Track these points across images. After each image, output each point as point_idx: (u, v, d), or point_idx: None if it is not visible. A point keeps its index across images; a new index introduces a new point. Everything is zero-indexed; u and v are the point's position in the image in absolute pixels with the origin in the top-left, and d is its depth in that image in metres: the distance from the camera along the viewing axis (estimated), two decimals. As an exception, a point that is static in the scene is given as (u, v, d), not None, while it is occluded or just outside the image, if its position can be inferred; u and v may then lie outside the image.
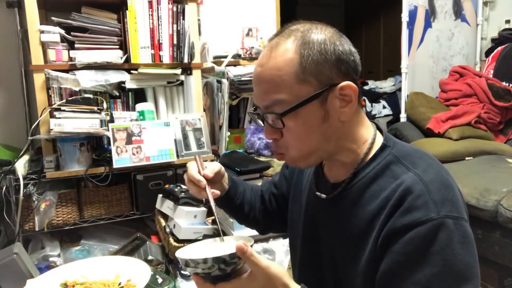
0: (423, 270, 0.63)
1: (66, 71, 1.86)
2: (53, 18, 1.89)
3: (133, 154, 1.83)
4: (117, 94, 2.00)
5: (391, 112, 3.76)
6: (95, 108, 1.79)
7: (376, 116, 3.75)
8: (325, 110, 0.70)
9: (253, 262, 0.65)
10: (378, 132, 0.79)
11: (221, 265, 0.65)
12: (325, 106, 0.70)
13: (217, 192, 0.84)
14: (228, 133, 2.26)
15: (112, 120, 1.91)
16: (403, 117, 2.97)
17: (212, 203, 0.82)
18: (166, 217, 1.81)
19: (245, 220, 1.04)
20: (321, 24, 0.73)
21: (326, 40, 0.70)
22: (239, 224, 1.06)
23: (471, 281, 0.63)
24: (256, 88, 0.74)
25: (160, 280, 1.56)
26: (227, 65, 2.33)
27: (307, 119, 0.70)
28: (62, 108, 1.74)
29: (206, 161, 0.89)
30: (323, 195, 0.81)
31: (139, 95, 2.05)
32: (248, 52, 2.50)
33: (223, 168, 0.91)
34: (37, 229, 1.76)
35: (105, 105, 1.94)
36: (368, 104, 3.80)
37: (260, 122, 0.76)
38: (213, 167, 0.88)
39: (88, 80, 1.82)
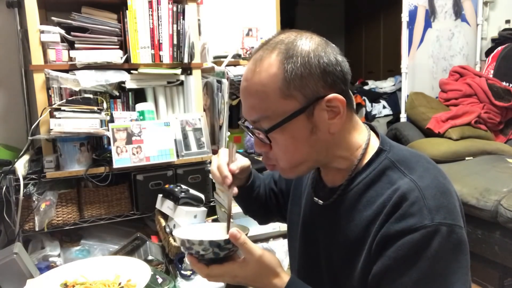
0: (410, 274, 0.63)
1: (66, 71, 1.86)
2: (53, 18, 1.89)
3: (133, 154, 1.83)
4: (117, 94, 2.00)
5: (391, 112, 3.76)
6: (95, 108, 1.79)
7: (376, 116, 3.75)
8: (312, 123, 0.69)
9: (246, 249, 0.69)
10: (374, 134, 0.78)
11: (215, 249, 0.69)
12: (312, 119, 0.69)
13: (236, 191, 0.84)
14: (228, 133, 2.26)
15: (112, 120, 1.91)
16: (403, 117, 2.97)
17: (230, 199, 0.83)
18: (166, 217, 1.81)
19: (251, 212, 1.05)
20: (306, 34, 0.72)
21: (310, 52, 0.68)
22: (242, 215, 1.08)
23: None
24: (243, 103, 0.74)
25: (160, 280, 1.56)
26: (227, 65, 2.33)
27: (294, 133, 0.70)
28: (62, 108, 1.74)
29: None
30: (320, 201, 0.81)
31: (139, 95, 2.05)
32: (248, 52, 2.50)
33: (250, 166, 0.91)
34: (37, 229, 1.76)
35: (105, 105, 1.94)
36: (368, 104, 3.80)
37: (250, 134, 0.76)
38: (242, 163, 0.87)
39: (88, 80, 1.82)
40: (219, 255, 0.70)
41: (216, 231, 0.80)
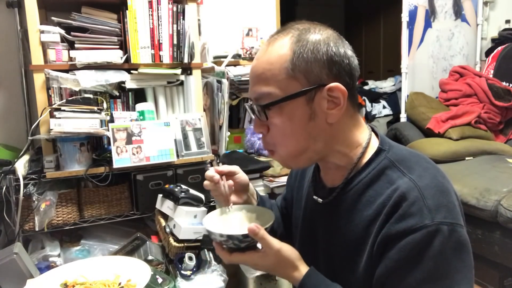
0: (414, 274, 0.63)
1: (66, 71, 1.86)
2: (53, 18, 1.89)
3: (133, 154, 1.83)
4: (117, 94, 2.00)
5: (391, 112, 3.76)
6: (95, 108, 1.79)
7: (376, 116, 3.75)
8: (311, 109, 0.71)
9: (265, 243, 0.71)
10: (374, 134, 0.78)
11: (235, 241, 0.72)
12: (312, 105, 0.70)
13: (231, 182, 0.87)
14: (228, 133, 2.26)
15: (112, 120, 1.91)
16: (403, 117, 2.97)
17: (227, 190, 0.85)
18: (166, 217, 1.82)
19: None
20: (321, 25, 0.74)
21: (321, 40, 0.71)
22: None
23: (462, 287, 0.63)
24: (250, 81, 0.76)
25: (160, 280, 1.56)
26: (227, 65, 2.33)
27: (292, 115, 0.71)
28: (62, 108, 1.74)
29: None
30: (320, 200, 0.81)
31: (139, 95, 2.05)
32: (248, 52, 2.50)
33: (242, 172, 0.92)
34: (37, 229, 1.75)
35: (105, 105, 1.94)
36: (368, 104, 3.80)
37: (251, 113, 0.78)
38: (231, 167, 0.90)
39: (88, 80, 1.82)
40: (240, 246, 0.73)
41: (244, 218, 0.84)
